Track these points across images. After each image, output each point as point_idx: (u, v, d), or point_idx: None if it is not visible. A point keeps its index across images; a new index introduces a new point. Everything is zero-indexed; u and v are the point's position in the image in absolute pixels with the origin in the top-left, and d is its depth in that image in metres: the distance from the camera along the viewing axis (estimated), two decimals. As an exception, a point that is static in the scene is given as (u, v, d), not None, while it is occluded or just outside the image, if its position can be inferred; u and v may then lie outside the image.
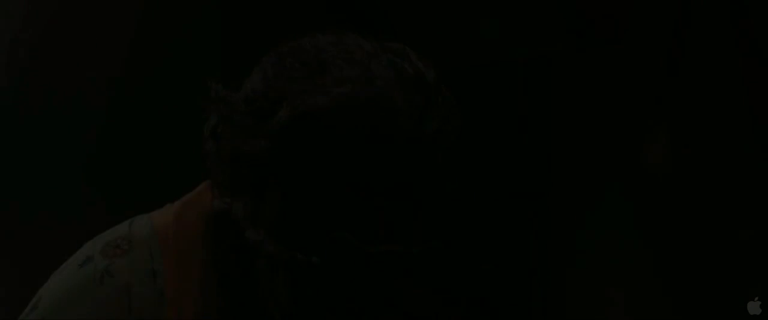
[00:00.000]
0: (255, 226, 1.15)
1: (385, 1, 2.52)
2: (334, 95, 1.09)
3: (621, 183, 2.35)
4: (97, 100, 2.42)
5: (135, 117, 2.43)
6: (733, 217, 1.97)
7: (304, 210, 1.12)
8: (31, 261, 2.25)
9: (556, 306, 2.66)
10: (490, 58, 2.56)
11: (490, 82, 2.68)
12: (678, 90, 2.10)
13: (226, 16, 2.51)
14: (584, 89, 2.50)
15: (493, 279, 1.21)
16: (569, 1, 2.37)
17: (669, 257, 2.19)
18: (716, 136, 2.03)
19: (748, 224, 1.95)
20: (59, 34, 2.36)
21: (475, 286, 1.21)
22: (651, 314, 2.26)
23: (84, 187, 2.38)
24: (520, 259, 2.70)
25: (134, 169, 2.42)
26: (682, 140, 2.11)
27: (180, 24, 2.47)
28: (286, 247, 1.12)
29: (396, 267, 1.10)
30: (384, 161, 1.10)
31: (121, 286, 1.19)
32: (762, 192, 1.91)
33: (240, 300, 1.22)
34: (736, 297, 1.93)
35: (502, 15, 2.41)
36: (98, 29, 2.39)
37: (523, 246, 2.70)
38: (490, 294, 2.54)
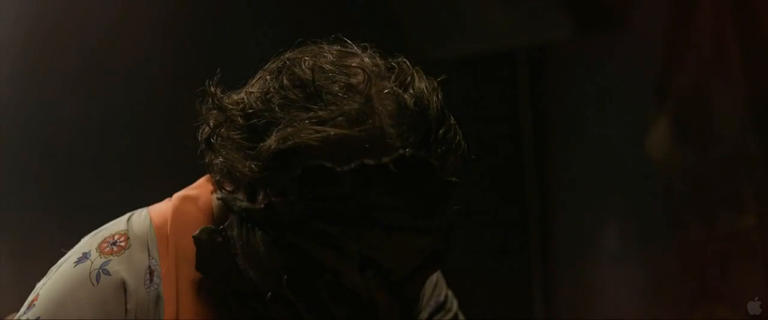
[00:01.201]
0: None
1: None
2: (324, 133, 1.07)
3: (622, 174, 2.34)
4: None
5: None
6: (735, 209, 1.97)
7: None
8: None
9: (557, 298, 2.66)
10: (491, 47, 2.55)
11: (490, 71, 2.67)
12: (680, 79, 2.10)
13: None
14: (585, 77, 2.50)
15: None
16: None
17: (670, 250, 2.18)
18: (717, 126, 2.02)
19: (750, 216, 1.94)
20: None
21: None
22: (651, 309, 2.26)
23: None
24: (518, 251, 2.70)
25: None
26: (684, 130, 2.10)
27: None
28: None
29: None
30: (372, 195, 1.07)
31: (118, 285, 1.18)
32: (764, 184, 1.91)
33: (234, 298, 1.21)
34: (736, 295, 1.92)
35: (502, 4, 2.40)
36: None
37: (521, 237, 2.70)
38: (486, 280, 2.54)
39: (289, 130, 1.08)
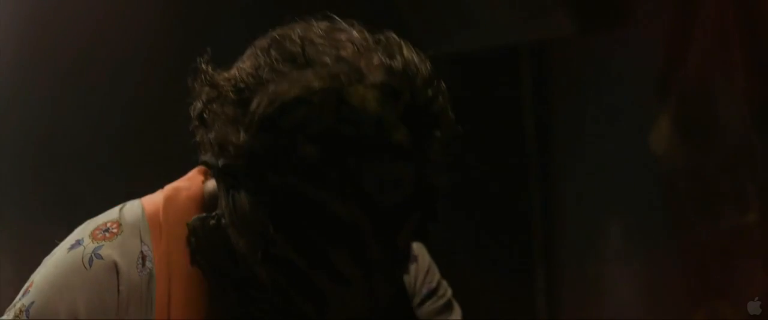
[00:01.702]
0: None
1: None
2: (307, 84, 1.08)
3: (625, 171, 2.34)
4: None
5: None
6: (738, 207, 1.96)
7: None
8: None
9: (559, 297, 2.66)
10: (494, 43, 2.55)
11: (490, 68, 2.67)
12: (682, 76, 2.09)
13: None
14: (588, 74, 2.49)
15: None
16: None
17: (672, 248, 2.18)
18: (720, 123, 2.02)
19: (753, 213, 1.94)
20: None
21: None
22: (653, 308, 2.25)
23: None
24: (521, 249, 2.70)
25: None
26: (687, 127, 2.10)
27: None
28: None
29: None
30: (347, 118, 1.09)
31: (110, 268, 1.19)
32: (767, 180, 1.90)
33: (229, 284, 1.21)
34: (739, 293, 1.92)
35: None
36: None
37: (524, 235, 2.69)
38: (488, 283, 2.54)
39: (271, 89, 1.09)
